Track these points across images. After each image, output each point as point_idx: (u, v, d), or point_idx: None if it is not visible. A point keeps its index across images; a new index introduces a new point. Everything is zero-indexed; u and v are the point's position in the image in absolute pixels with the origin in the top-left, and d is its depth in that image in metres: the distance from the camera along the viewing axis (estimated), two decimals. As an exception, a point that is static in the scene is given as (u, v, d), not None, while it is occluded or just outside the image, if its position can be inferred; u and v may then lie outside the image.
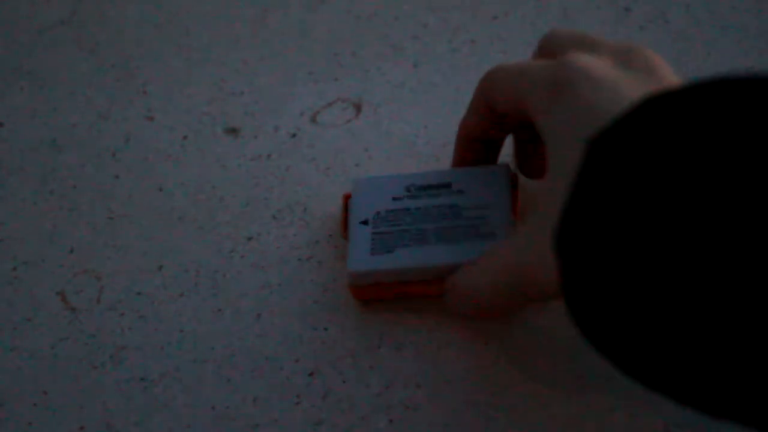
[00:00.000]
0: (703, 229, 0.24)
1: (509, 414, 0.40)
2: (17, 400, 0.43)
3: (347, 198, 0.43)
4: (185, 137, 0.52)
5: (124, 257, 0.47)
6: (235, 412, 0.42)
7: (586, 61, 0.32)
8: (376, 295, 0.42)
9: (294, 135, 0.51)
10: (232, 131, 0.52)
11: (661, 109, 0.27)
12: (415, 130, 0.50)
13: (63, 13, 0.58)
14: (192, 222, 0.48)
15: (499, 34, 0.54)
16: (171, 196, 0.49)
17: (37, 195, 0.50)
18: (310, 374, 0.42)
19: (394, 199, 0.40)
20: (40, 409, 0.43)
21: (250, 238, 0.47)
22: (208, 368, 0.43)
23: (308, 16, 0.56)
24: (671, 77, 0.33)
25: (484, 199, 0.39)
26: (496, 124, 0.40)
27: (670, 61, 0.49)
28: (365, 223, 0.40)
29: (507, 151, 0.44)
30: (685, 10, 0.53)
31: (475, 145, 0.42)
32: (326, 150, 0.50)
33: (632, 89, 0.31)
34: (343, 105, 0.52)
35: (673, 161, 0.25)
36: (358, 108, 0.52)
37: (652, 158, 0.26)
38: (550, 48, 0.37)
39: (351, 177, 0.49)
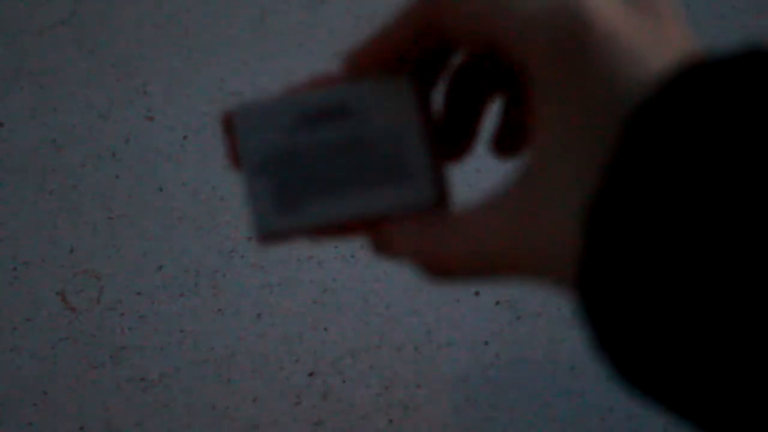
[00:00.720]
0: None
1: (509, 414, 0.40)
2: (17, 400, 0.43)
3: (228, 121, 0.36)
4: (185, 137, 0.52)
5: (124, 257, 0.47)
6: (235, 412, 0.42)
7: (597, 7, 0.27)
8: (284, 241, 0.37)
9: (294, 135, 0.51)
10: (232, 131, 0.52)
11: (706, 83, 0.24)
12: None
13: (63, 13, 0.58)
14: (192, 222, 0.48)
15: (499, 34, 0.54)
16: (171, 196, 0.49)
17: (37, 195, 0.50)
18: (310, 374, 0.42)
19: (289, 133, 0.35)
20: (40, 409, 0.43)
21: (250, 238, 0.47)
22: (208, 368, 0.43)
23: (308, 16, 0.56)
24: (685, 27, 0.30)
25: (390, 127, 0.33)
26: (424, 48, 0.32)
27: (670, 61, 0.49)
28: (261, 170, 0.35)
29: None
30: (685, 10, 0.53)
31: (382, 60, 0.33)
32: (326, 150, 0.50)
33: (653, 51, 0.27)
34: (343, 105, 0.52)
35: (736, 143, 0.23)
36: (358, 108, 0.52)
37: (712, 142, 0.24)
38: None
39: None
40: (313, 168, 0.34)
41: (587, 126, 0.28)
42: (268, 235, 0.36)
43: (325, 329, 0.44)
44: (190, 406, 0.42)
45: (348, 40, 0.55)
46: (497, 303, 0.43)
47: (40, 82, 0.55)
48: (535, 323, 0.42)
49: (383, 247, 0.33)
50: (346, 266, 0.46)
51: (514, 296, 0.43)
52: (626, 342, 0.27)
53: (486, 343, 0.42)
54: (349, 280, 0.45)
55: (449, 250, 0.31)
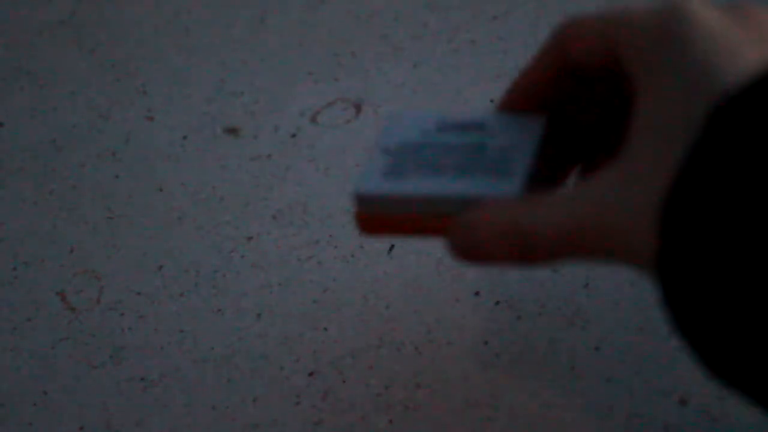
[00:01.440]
0: None
1: (509, 414, 0.40)
2: (17, 400, 0.43)
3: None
4: (185, 137, 0.52)
5: (124, 257, 0.47)
6: (235, 412, 0.42)
7: (698, 8, 0.28)
8: (384, 229, 0.37)
9: (294, 135, 0.51)
10: (232, 131, 0.52)
11: None
12: (415, 130, 0.50)
13: (63, 13, 0.58)
14: (192, 222, 0.48)
15: (499, 34, 0.54)
16: (171, 196, 0.49)
17: (37, 195, 0.50)
18: (310, 374, 0.42)
19: (423, 133, 0.38)
20: (40, 409, 0.43)
21: (250, 238, 0.47)
22: (208, 368, 0.43)
23: (308, 16, 0.56)
24: None
25: (510, 142, 0.36)
26: (562, 78, 0.35)
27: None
28: (386, 150, 0.38)
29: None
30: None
31: (527, 97, 0.37)
32: (326, 150, 0.50)
33: (749, 49, 0.28)
34: (343, 105, 0.52)
35: None
36: (358, 108, 0.52)
37: None
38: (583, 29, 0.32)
39: (351, 177, 0.49)
40: (430, 157, 0.37)
41: (678, 113, 0.28)
42: (365, 196, 0.39)
43: (325, 329, 0.44)
44: (190, 406, 0.42)
45: (348, 40, 0.55)
46: (497, 303, 0.43)
47: (40, 82, 0.55)
48: (535, 323, 0.42)
49: (470, 229, 0.33)
50: (346, 266, 0.46)
51: (514, 296, 0.43)
52: (706, 328, 0.27)
53: (486, 343, 0.42)
54: (349, 280, 0.45)
55: (538, 220, 0.32)
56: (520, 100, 0.36)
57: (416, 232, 0.37)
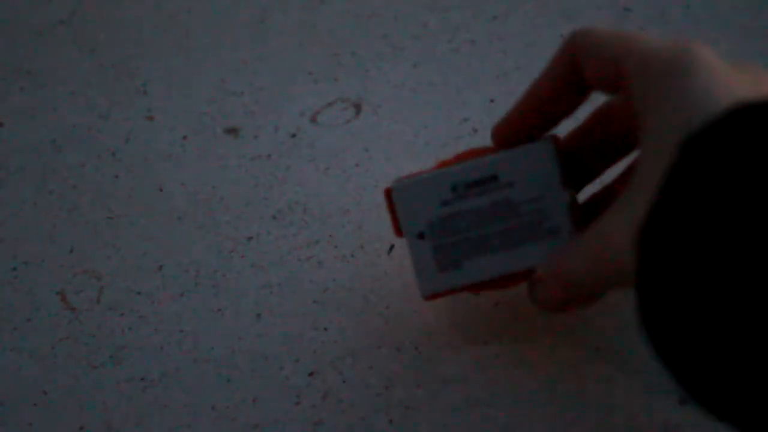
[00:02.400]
0: None
1: (509, 414, 0.40)
2: (17, 400, 0.43)
3: (389, 193, 0.40)
4: (185, 137, 0.52)
5: (124, 257, 0.47)
6: (235, 412, 0.42)
7: (708, 51, 0.31)
8: (451, 294, 0.40)
9: (294, 135, 0.51)
10: (232, 131, 0.52)
11: (756, 117, 0.26)
12: (415, 130, 0.50)
13: (63, 13, 0.58)
14: (192, 222, 0.48)
15: (499, 34, 0.54)
16: (171, 196, 0.49)
17: (37, 195, 0.50)
18: (310, 374, 0.42)
19: (444, 203, 0.38)
20: (40, 409, 0.43)
21: (250, 238, 0.47)
22: (208, 368, 0.43)
23: (308, 16, 0.56)
24: None
25: (535, 188, 0.37)
26: (572, 89, 0.37)
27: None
28: (422, 236, 0.39)
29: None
30: (685, 10, 0.53)
31: (537, 106, 0.38)
32: (326, 150, 0.50)
33: (745, 87, 0.29)
34: (343, 105, 0.52)
35: (765, 176, 0.25)
36: (358, 108, 0.52)
37: (746, 169, 0.25)
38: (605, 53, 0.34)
39: (351, 177, 0.49)
40: (467, 231, 0.38)
41: (668, 144, 0.30)
42: (433, 294, 0.41)
43: (325, 329, 0.44)
44: (190, 406, 0.42)
45: (348, 40, 0.55)
46: (497, 303, 0.43)
47: (40, 82, 0.55)
48: (535, 323, 0.42)
49: (535, 292, 0.37)
50: (346, 266, 0.46)
51: (514, 296, 0.43)
52: (677, 349, 0.28)
53: (486, 343, 0.42)
54: (349, 280, 0.45)
55: (569, 270, 0.35)
56: (527, 113, 0.37)
57: (479, 291, 0.40)
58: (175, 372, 0.43)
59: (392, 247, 0.46)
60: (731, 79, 0.30)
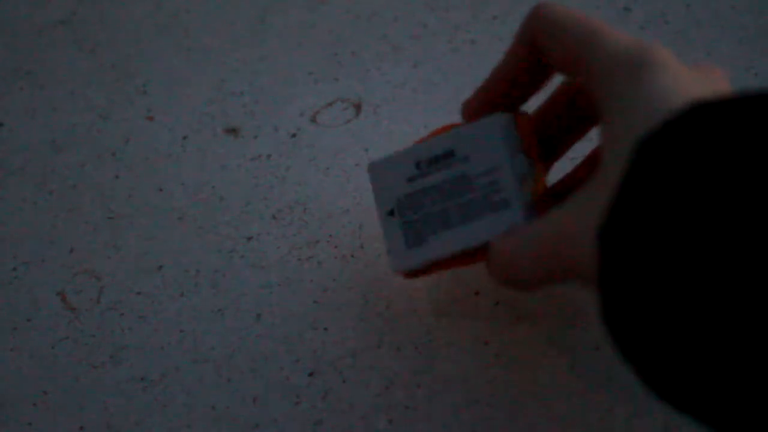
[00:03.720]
0: (745, 248, 0.24)
1: (509, 414, 0.40)
2: (17, 400, 0.43)
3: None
4: (185, 137, 0.52)
5: (124, 257, 0.47)
6: (235, 412, 0.42)
7: (667, 53, 0.32)
8: (423, 274, 0.41)
9: (294, 135, 0.51)
10: (232, 131, 0.52)
11: (712, 116, 0.27)
12: (415, 130, 0.50)
13: (63, 13, 0.58)
14: (192, 222, 0.48)
15: (499, 34, 0.54)
16: (171, 196, 0.49)
17: (37, 195, 0.50)
18: (310, 374, 0.42)
19: (409, 179, 0.40)
20: (40, 409, 0.43)
21: (250, 238, 0.47)
22: (208, 368, 0.43)
23: (308, 16, 0.56)
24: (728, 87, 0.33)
25: (488, 162, 0.38)
26: (535, 67, 0.37)
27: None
28: (392, 213, 0.40)
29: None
30: (685, 10, 0.53)
31: (503, 84, 0.39)
32: (326, 150, 0.50)
33: (701, 88, 0.30)
34: (343, 105, 0.52)
35: (721, 174, 0.25)
36: (358, 108, 0.52)
37: (699, 167, 0.26)
38: (562, 35, 0.35)
39: (351, 177, 0.49)
40: (430, 207, 0.39)
41: (626, 144, 0.31)
42: (404, 272, 0.42)
43: (325, 329, 0.44)
44: (190, 406, 0.42)
45: (348, 40, 0.55)
46: (497, 303, 0.43)
47: (40, 82, 0.55)
48: (535, 323, 0.42)
49: (492, 271, 0.37)
50: (346, 266, 0.46)
51: (514, 296, 0.43)
52: (638, 344, 0.29)
53: (486, 343, 0.42)
54: (349, 280, 0.45)
55: (512, 253, 0.35)
56: (498, 90, 0.39)
57: (451, 267, 0.41)
58: (175, 372, 0.43)
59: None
60: (689, 79, 0.31)
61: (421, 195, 0.39)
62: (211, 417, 0.42)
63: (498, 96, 0.39)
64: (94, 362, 0.44)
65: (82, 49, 0.56)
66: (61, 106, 0.54)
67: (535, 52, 0.36)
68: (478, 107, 0.39)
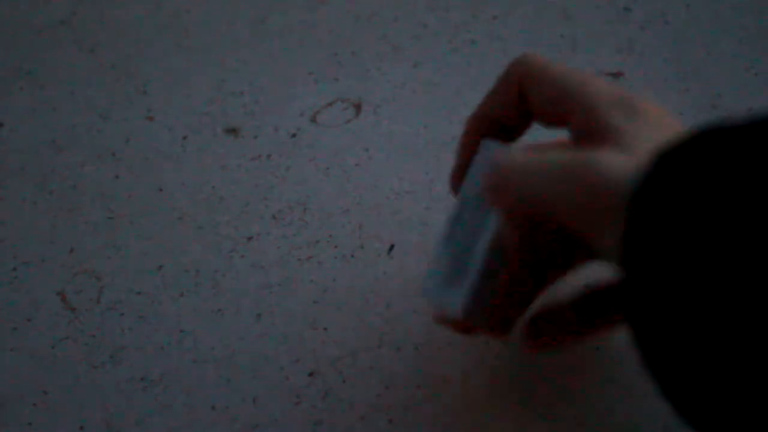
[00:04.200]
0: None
1: (509, 414, 0.40)
2: (17, 400, 0.43)
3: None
4: (185, 137, 0.52)
5: (124, 257, 0.47)
6: (235, 412, 0.42)
7: (647, 102, 0.34)
8: None
9: (294, 135, 0.51)
10: (232, 131, 0.52)
11: (726, 136, 0.28)
12: (415, 130, 0.50)
13: (63, 13, 0.58)
14: (192, 222, 0.48)
15: (499, 34, 0.54)
16: (171, 196, 0.49)
17: (37, 195, 0.50)
18: (310, 374, 0.42)
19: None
20: (40, 409, 0.43)
21: (250, 238, 0.47)
22: (208, 368, 0.43)
23: (308, 16, 0.56)
24: (674, 119, 0.35)
25: (472, 240, 0.36)
26: (520, 115, 0.38)
27: (670, 61, 0.50)
28: (448, 238, 0.38)
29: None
30: (685, 10, 0.53)
31: (489, 125, 0.39)
32: (326, 150, 0.50)
33: (672, 125, 0.33)
34: (343, 105, 0.52)
35: (738, 188, 0.26)
36: (358, 108, 0.52)
37: (722, 180, 0.26)
38: (541, 89, 0.36)
39: (351, 177, 0.49)
40: (447, 252, 0.37)
41: (638, 149, 0.31)
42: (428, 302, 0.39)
43: (325, 329, 0.44)
44: (190, 406, 0.42)
45: (348, 40, 0.55)
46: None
47: (40, 82, 0.55)
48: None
49: (494, 182, 0.35)
50: (346, 266, 0.46)
51: (514, 296, 0.43)
52: (664, 355, 0.28)
53: (486, 343, 0.42)
54: (349, 280, 0.45)
55: (538, 165, 0.33)
56: (479, 134, 0.39)
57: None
58: (175, 372, 0.43)
59: (392, 247, 0.46)
60: (667, 129, 0.33)
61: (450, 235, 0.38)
62: (211, 417, 0.42)
63: (496, 119, 0.39)
64: (94, 362, 0.44)
65: (82, 49, 0.56)
66: (61, 106, 0.54)
67: (519, 100, 0.37)
68: (478, 128, 0.39)
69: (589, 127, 0.34)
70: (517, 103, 0.37)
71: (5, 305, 0.46)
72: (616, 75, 0.51)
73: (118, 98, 0.54)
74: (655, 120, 0.33)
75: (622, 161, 0.31)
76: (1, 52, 0.57)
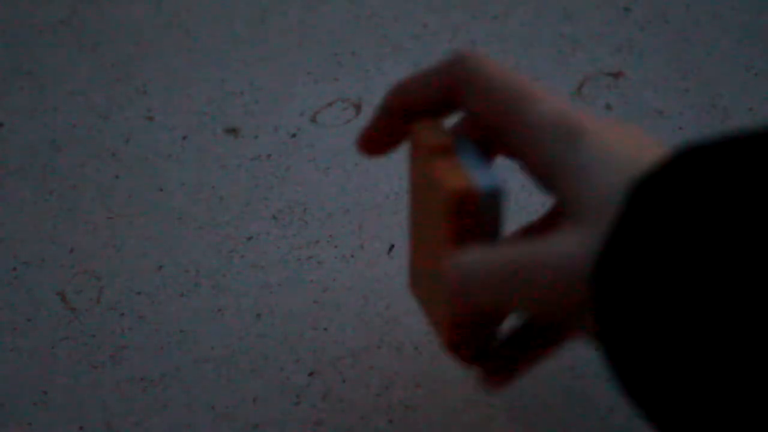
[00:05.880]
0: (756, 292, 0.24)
1: (509, 414, 0.40)
2: (17, 400, 0.43)
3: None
4: (185, 137, 0.52)
5: (124, 257, 0.47)
6: (235, 412, 0.42)
7: (592, 120, 0.32)
8: None
9: (294, 135, 0.51)
10: (232, 131, 0.52)
11: (707, 160, 0.27)
12: (415, 130, 0.50)
13: (63, 13, 0.58)
14: (192, 222, 0.48)
15: (499, 34, 0.54)
16: (171, 196, 0.49)
17: (37, 195, 0.50)
18: (310, 374, 0.42)
19: None
20: (40, 409, 0.43)
21: (250, 238, 0.47)
22: (208, 368, 0.43)
23: (308, 16, 0.56)
24: (652, 139, 0.33)
25: None
26: (444, 106, 0.35)
27: (670, 61, 0.50)
28: None
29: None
30: (685, 10, 0.53)
31: (401, 118, 0.36)
32: (326, 150, 0.50)
33: (647, 151, 0.31)
34: (343, 105, 0.52)
35: (724, 215, 0.25)
36: (358, 108, 0.52)
37: (701, 209, 0.26)
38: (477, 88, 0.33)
39: (351, 177, 0.49)
40: None
41: (597, 194, 0.31)
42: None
43: (325, 329, 0.44)
44: (190, 406, 0.42)
45: (348, 40, 0.55)
46: (497, 303, 0.43)
47: (40, 82, 0.55)
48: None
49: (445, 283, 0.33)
50: (346, 266, 0.46)
51: (514, 296, 0.43)
52: (645, 386, 0.28)
53: (486, 343, 0.42)
54: (349, 280, 0.45)
55: (480, 266, 0.33)
56: (389, 123, 0.36)
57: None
58: (175, 372, 0.43)
59: (392, 247, 0.46)
60: (624, 139, 0.31)
61: None
62: (211, 417, 0.42)
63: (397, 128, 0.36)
64: (94, 362, 0.44)
65: (82, 49, 0.56)
66: (61, 106, 0.54)
67: (449, 97, 0.34)
68: (398, 106, 0.36)
69: (530, 159, 0.32)
70: (443, 97, 0.35)
71: (5, 305, 0.46)
72: (616, 75, 0.51)
73: (118, 98, 0.54)
74: (601, 142, 0.31)
75: (571, 246, 0.30)
76: (1, 52, 0.57)
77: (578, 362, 0.41)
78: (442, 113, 0.35)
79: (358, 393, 0.41)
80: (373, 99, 0.52)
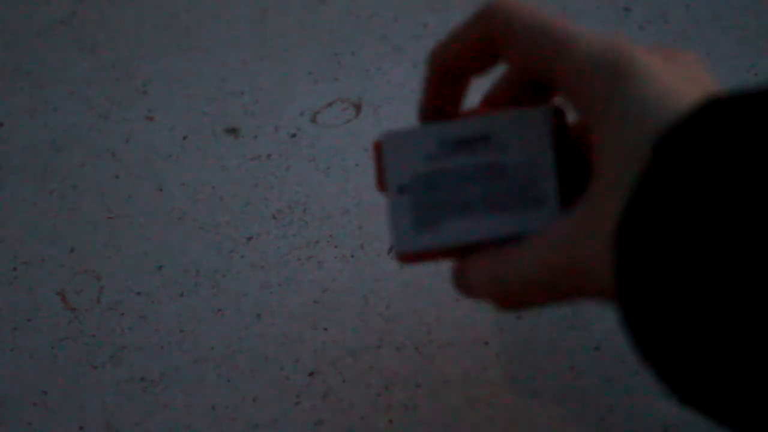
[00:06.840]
0: None
1: (509, 414, 0.40)
2: (17, 400, 0.43)
3: (378, 148, 0.37)
4: (185, 137, 0.52)
5: (124, 257, 0.47)
6: (235, 412, 0.42)
7: (644, 52, 0.31)
8: (424, 260, 0.37)
9: (294, 135, 0.51)
10: (232, 131, 0.52)
11: (730, 112, 0.26)
12: (415, 130, 0.50)
13: (63, 13, 0.58)
14: (192, 222, 0.48)
15: (499, 34, 0.54)
16: (171, 196, 0.49)
17: (37, 195, 0.50)
18: (310, 374, 0.42)
19: (430, 158, 0.36)
20: (40, 409, 0.43)
21: (250, 238, 0.47)
22: (208, 368, 0.43)
23: (308, 16, 0.56)
24: (709, 73, 0.32)
25: (527, 155, 0.34)
26: (489, 57, 0.35)
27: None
28: (403, 190, 0.36)
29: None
30: (685, 10, 0.53)
31: (451, 79, 0.36)
32: (326, 150, 0.50)
33: (685, 87, 0.30)
34: (343, 105, 0.52)
35: (748, 168, 0.25)
36: (358, 108, 0.52)
37: (727, 163, 0.25)
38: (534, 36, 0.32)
39: (351, 177, 0.49)
40: (451, 190, 0.35)
41: (627, 150, 0.30)
42: (407, 255, 0.38)
43: (325, 329, 0.44)
44: (190, 406, 0.42)
45: (348, 40, 0.55)
46: (497, 303, 0.43)
47: (40, 82, 0.55)
48: (535, 323, 0.42)
49: (459, 283, 0.35)
50: (346, 266, 0.46)
51: (514, 296, 0.43)
52: (663, 348, 0.28)
53: (486, 343, 0.42)
54: (349, 280, 0.45)
55: (494, 276, 0.33)
56: (445, 89, 0.36)
57: (454, 257, 0.36)
58: (175, 372, 0.43)
59: (392, 247, 0.46)
60: (671, 81, 0.30)
61: (442, 176, 0.35)
62: (211, 417, 0.42)
63: (460, 60, 0.35)
64: (94, 362, 0.44)
65: (82, 49, 0.56)
66: (61, 106, 0.54)
67: (488, 46, 0.34)
68: (443, 64, 0.36)
69: (578, 101, 0.31)
70: (484, 50, 0.34)
71: (5, 305, 0.46)
72: (616, 75, 0.51)
73: (118, 98, 0.54)
74: (648, 78, 0.30)
75: (598, 231, 0.29)
76: (1, 52, 0.57)
77: (578, 362, 0.41)
78: (487, 65, 0.35)
79: (358, 393, 0.41)
80: (373, 99, 0.52)
